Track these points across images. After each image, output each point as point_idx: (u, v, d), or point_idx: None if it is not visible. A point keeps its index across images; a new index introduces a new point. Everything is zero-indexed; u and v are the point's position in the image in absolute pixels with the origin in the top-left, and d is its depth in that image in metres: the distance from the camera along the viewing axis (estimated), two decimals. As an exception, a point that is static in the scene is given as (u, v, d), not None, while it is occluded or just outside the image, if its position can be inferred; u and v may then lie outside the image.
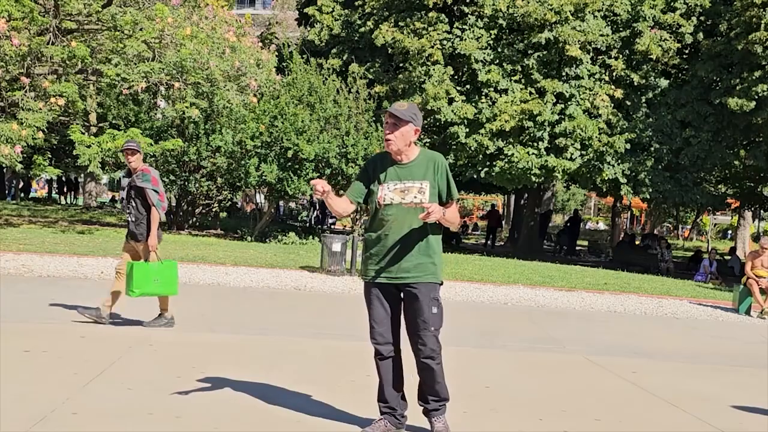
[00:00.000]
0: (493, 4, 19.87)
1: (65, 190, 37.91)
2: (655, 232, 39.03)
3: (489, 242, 28.20)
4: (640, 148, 19.65)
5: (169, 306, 6.69)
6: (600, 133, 19.40)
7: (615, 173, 19.55)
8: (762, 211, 32.23)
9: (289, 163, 16.49)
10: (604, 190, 21.43)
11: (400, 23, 20.66)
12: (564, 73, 19.80)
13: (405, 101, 4.23)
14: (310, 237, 18.08)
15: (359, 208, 4.05)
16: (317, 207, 33.71)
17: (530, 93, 19.69)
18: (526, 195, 26.44)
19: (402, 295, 3.93)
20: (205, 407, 4.28)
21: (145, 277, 6.33)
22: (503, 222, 41.13)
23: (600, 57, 20.41)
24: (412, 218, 3.84)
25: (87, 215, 21.67)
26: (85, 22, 15.90)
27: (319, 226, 26.95)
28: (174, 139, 16.49)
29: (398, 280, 3.88)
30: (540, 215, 26.09)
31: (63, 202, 35.21)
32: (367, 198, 4.01)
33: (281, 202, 25.66)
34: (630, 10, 20.12)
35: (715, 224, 48.14)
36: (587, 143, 19.38)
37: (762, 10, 17.75)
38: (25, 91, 13.94)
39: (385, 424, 3.97)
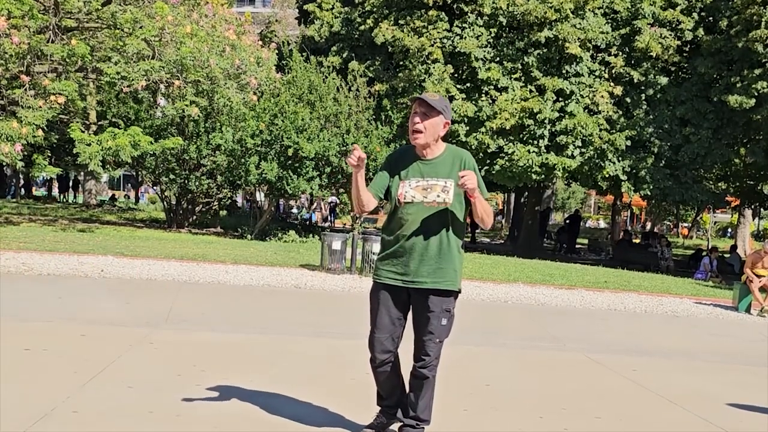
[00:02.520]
0: (493, 3, 19.87)
1: (62, 188, 37.91)
2: (656, 230, 39.04)
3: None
4: (641, 146, 19.67)
5: None
6: (600, 130, 19.41)
7: (616, 170, 19.57)
8: (762, 209, 32.22)
9: (290, 162, 16.49)
10: (605, 187, 21.47)
11: (400, 21, 20.66)
12: (564, 71, 19.81)
13: (435, 92, 3.96)
14: (310, 235, 18.10)
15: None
16: (322, 207, 33.83)
17: (530, 91, 19.70)
18: (527, 193, 26.45)
19: (413, 299, 3.69)
20: (206, 406, 4.28)
21: None
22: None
23: (600, 54, 20.41)
24: (433, 218, 3.59)
25: (87, 213, 21.69)
26: (85, 20, 15.90)
27: (327, 225, 26.95)
28: (174, 137, 16.50)
29: (413, 285, 3.63)
30: (539, 213, 26.10)
31: (63, 200, 35.23)
32: (387, 194, 3.72)
33: (281, 201, 25.66)
34: (630, 7, 20.13)
35: (715, 222, 48.17)
36: (588, 140, 19.40)
37: (762, 7, 17.76)
38: (25, 90, 13.93)
39: (382, 419, 3.88)
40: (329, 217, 32.78)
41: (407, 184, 3.64)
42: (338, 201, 29.85)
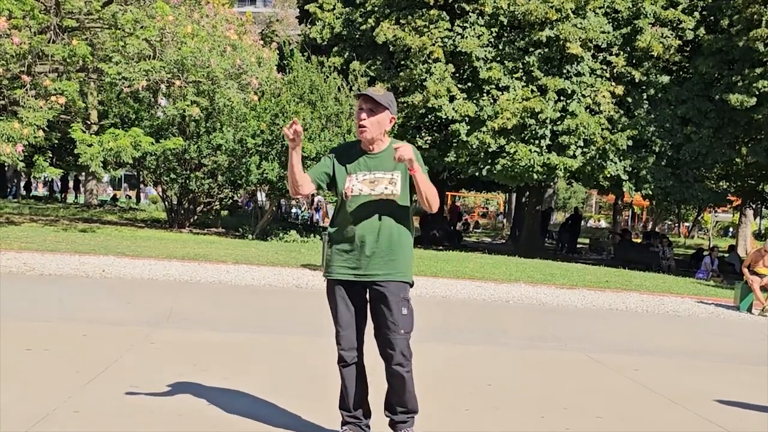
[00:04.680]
0: (494, 2, 19.87)
1: (63, 188, 37.89)
2: (657, 229, 39.03)
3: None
4: (642, 145, 19.67)
5: None
6: (602, 130, 19.41)
7: (617, 170, 19.57)
8: (763, 209, 32.21)
9: (291, 161, 16.48)
10: (606, 187, 21.47)
11: (401, 21, 20.67)
12: (565, 71, 19.81)
13: (381, 86, 3.93)
14: (312, 235, 18.10)
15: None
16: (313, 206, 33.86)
17: (532, 91, 19.69)
18: (528, 193, 26.45)
19: (369, 294, 3.68)
20: (207, 406, 4.29)
21: None
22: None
23: (601, 54, 20.41)
24: (381, 211, 3.59)
25: (88, 213, 21.70)
26: (86, 20, 15.90)
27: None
28: (175, 137, 16.50)
29: (366, 278, 3.62)
30: (540, 213, 26.11)
31: (62, 200, 35.25)
32: (331, 186, 3.71)
33: (283, 201, 25.69)
34: (631, 6, 20.13)
35: (717, 222, 48.14)
36: (589, 140, 19.39)
37: (763, 6, 17.75)
38: (26, 90, 13.94)
39: None
40: (313, 214, 32.83)
41: (354, 178, 3.63)
42: (323, 200, 29.92)
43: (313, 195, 18.57)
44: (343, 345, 3.71)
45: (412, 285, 3.72)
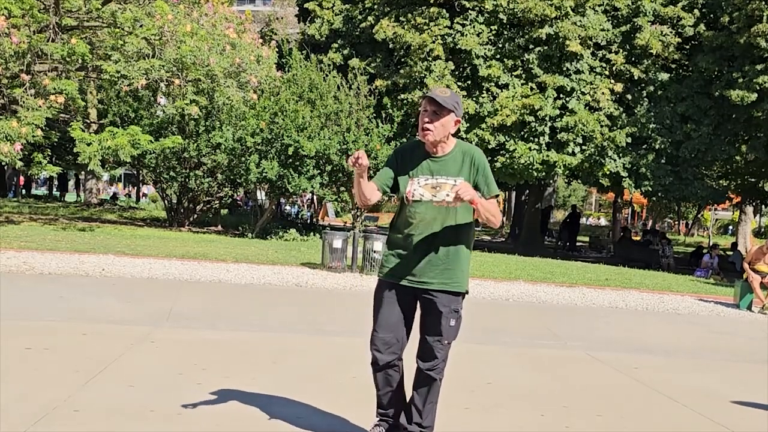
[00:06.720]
0: (494, 0, 19.86)
1: (62, 187, 37.85)
2: (656, 227, 39.03)
3: None
4: (641, 142, 19.68)
5: None
6: (601, 127, 19.41)
7: (616, 167, 19.57)
8: (763, 206, 32.20)
9: (290, 160, 16.49)
10: (605, 185, 21.47)
11: (401, 18, 20.66)
12: (565, 68, 19.81)
13: (446, 87, 3.79)
14: (311, 234, 18.10)
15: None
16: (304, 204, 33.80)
17: (531, 88, 19.69)
18: (527, 191, 26.45)
19: (419, 300, 3.59)
20: (207, 405, 4.28)
21: None
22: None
23: (600, 51, 20.40)
24: (443, 218, 3.48)
25: (87, 212, 21.69)
26: (85, 18, 15.89)
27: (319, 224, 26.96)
28: (174, 135, 16.49)
29: (420, 285, 3.53)
30: (540, 211, 26.11)
31: (62, 199, 35.23)
32: (394, 189, 3.61)
33: (283, 199, 25.68)
34: (630, 4, 20.13)
35: (716, 220, 48.13)
36: (588, 137, 19.39)
37: (763, 2, 17.74)
38: (25, 89, 13.92)
39: (381, 429, 3.71)
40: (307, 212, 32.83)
41: (416, 182, 3.53)
42: (313, 197, 29.92)
43: (312, 192, 18.55)
44: (379, 347, 3.59)
45: (467, 293, 3.64)
